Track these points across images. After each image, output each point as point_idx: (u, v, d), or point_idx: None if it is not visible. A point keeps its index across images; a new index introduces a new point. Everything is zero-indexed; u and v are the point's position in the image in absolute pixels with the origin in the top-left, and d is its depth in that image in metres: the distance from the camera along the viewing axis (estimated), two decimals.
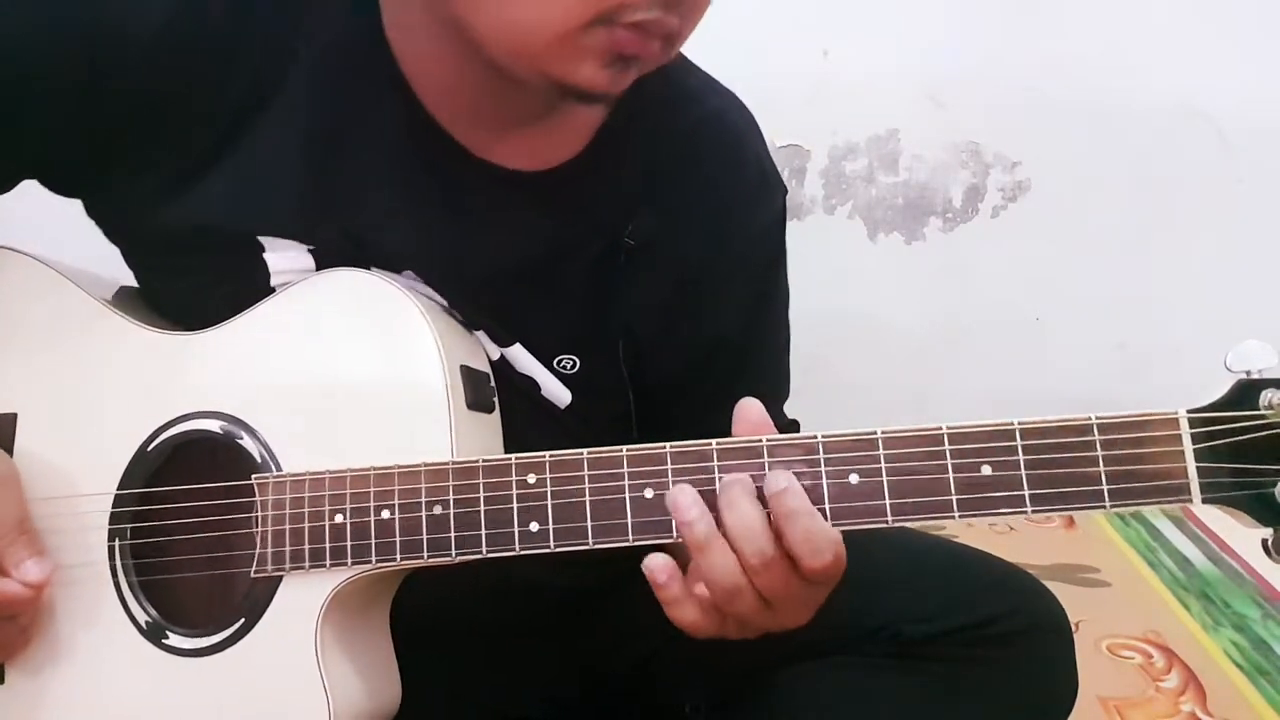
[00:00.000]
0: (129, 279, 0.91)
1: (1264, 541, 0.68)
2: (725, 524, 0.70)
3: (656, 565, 0.72)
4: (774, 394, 1.02)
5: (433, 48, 0.81)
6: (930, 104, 2.12)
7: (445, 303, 0.87)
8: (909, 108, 2.13)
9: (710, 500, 0.71)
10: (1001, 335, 2.21)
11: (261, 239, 0.85)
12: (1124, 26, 2.06)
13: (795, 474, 0.70)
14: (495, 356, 0.88)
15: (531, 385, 0.90)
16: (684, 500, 0.71)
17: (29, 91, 0.80)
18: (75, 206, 0.90)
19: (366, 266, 0.84)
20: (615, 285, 0.90)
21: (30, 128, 0.82)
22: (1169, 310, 2.19)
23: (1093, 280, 2.18)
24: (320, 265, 0.85)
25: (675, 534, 0.72)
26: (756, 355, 1.00)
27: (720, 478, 0.72)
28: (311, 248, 0.85)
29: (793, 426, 1.01)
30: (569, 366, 0.91)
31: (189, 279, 0.87)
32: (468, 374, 0.81)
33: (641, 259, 0.89)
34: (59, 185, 0.88)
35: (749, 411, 0.74)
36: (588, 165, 0.88)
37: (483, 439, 0.81)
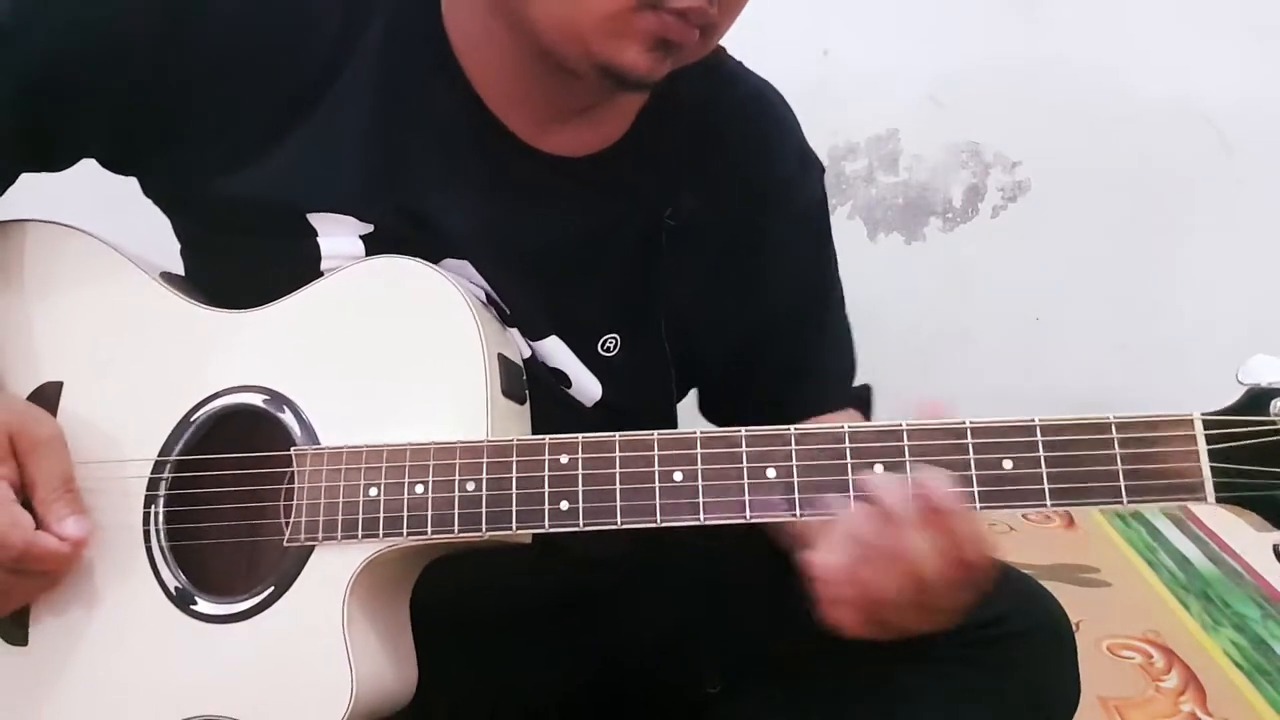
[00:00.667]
0: (168, 265, 0.92)
1: (1275, 547, 0.71)
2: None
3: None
4: (847, 370, 1.04)
5: (487, 35, 0.84)
6: (930, 104, 2.13)
7: (484, 296, 0.88)
8: (909, 108, 2.14)
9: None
10: (1001, 335, 2.22)
11: (316, 222, 0.86)
12: (1124, 26, 2.07)
13: (822, 463, 0.72)
14: (526, 354, 0.89)
15: (561, 380, 0.92)
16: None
17: (110, 52, 0.81)
18: (120, 197, 0.92)
19: (418, 251, 0.85)
20: (658, 264, 0.91)
21: (112, 88, 0.83)
22: (1169, 310, 2.20)
23: (1092, 280, 2.19)
24: (370, 252, 0.86)
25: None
26: (825, 333, 1.02)
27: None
28: (365, 232, 0.86)
29: (867, 392, 1.04)
30: (611, 347, 0.92)
31: (242, 259, 0.88)
32: (504, 362, 0.82)
33: (685, 238, 0.91)
34: (122, 157, 0.89)
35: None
36: (630, 148, 0.91)
37: (514, 427, 0.82)
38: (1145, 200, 2.15)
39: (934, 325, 2.22)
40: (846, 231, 2.18)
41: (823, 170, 1.03)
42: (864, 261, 2.16)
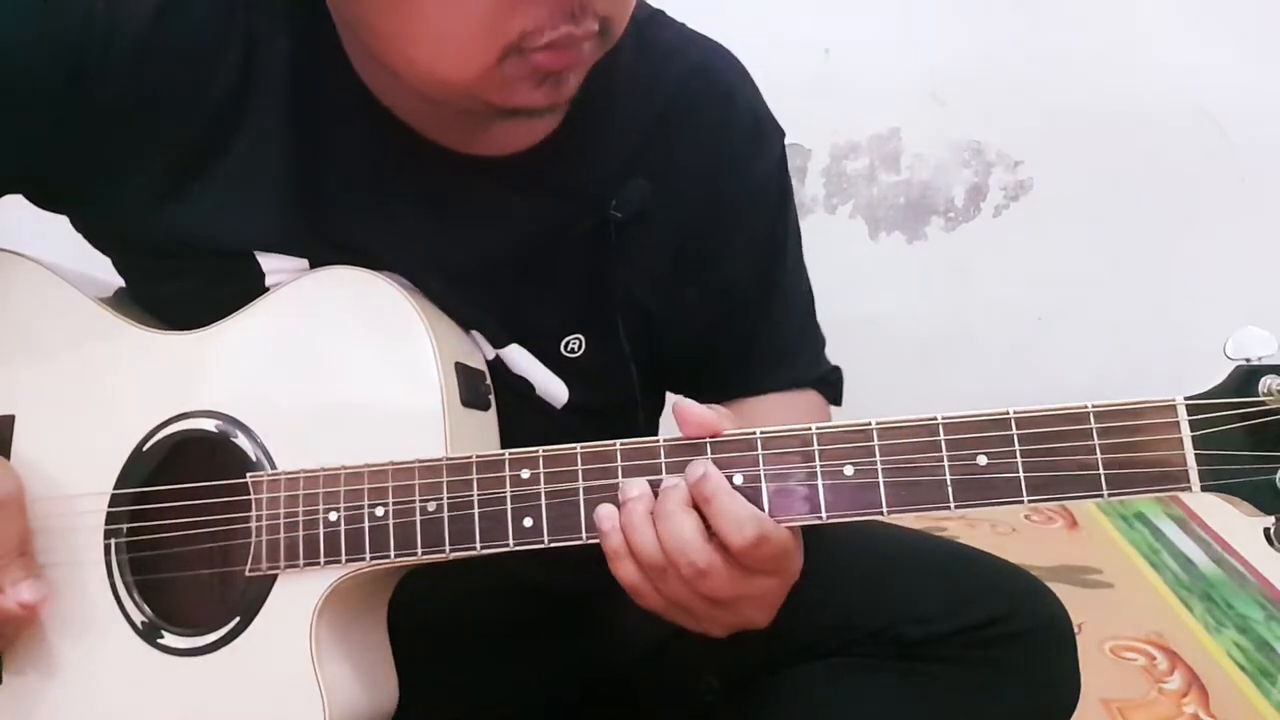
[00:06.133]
0: (104, 278, 0.91)
1: (1266, 530, 0.66)
2: (660, 536, 0.70)
3: (603, 513, 0.72)
4: (801, 346, 1.01)
5: (383, 71, 0.80)
6: (932, 103, 2.13)
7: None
8: (911, 106, 2.14)
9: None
10: (1003, 335, 2.22)
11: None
12: (1126, 25, 2.06)
13: (791, 467, 0.70)
14: (490, 356, 0.88)
15: (526, 386, 0.90)
16: (601, 514, 0.72)
17: (12, 94, 0.79)
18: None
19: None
20: (612, 259, 0.88)
21: (14, 132, 0.81)
22: (1172, 309, 2.19)
23: (1095, 280, 2.18)
24: (314, 264, 0.84)
25: None
26: (775, 308, 0.97)
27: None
28: (301, 266, 0.85)
29: (834, 374, 1.01)
30: (575, 348, 0.90)
31: (183, 281, 0.87)
32: (463, 371, 0.80)
33: (637, 228, 0.87)
34: (46, 195, 0.87)
35: (688, 413, 0.73)
36: (565, 141, 0.85)
37: (478, 437, 0.81)
38: (1148, 199, 2.14)
39: (936, 324, 2.21)
40: (848, 231, 2.18)
41: (782, 134, 0.96)
42: (866, 261, 2.19)
